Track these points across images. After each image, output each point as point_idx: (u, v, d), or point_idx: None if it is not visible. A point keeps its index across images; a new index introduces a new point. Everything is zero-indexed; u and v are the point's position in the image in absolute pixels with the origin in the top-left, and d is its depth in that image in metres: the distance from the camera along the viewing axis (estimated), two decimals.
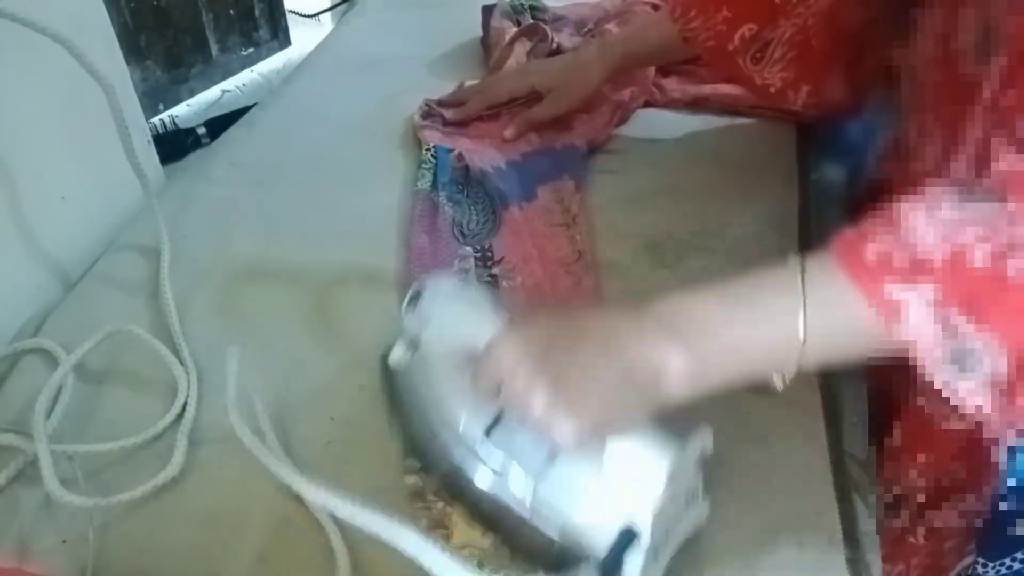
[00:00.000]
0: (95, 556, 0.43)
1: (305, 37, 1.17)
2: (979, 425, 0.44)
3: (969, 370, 0.34)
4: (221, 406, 0.49)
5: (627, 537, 0.38)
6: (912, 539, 0.60)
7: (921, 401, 0.53)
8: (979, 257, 0.32)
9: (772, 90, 0.70)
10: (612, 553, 0.38)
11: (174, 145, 0.87)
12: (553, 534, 0.41)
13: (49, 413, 0.50)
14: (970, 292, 0.33)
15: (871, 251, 0.34)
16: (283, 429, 0.51)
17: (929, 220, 0.34)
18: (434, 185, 0.71)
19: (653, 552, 0.39)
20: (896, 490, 0.57)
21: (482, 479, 0.43)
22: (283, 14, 1.14)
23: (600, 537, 0.38)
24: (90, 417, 0.52)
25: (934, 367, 0.34)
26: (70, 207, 0.65)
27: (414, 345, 0.47)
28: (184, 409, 0.52)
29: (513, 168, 0.73)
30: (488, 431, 0.43)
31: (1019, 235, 0.32)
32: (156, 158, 0.75)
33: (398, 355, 0.47)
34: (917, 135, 0.49)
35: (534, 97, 0.79)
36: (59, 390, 0.51)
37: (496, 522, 0.43)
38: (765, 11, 0.68)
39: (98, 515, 0.45)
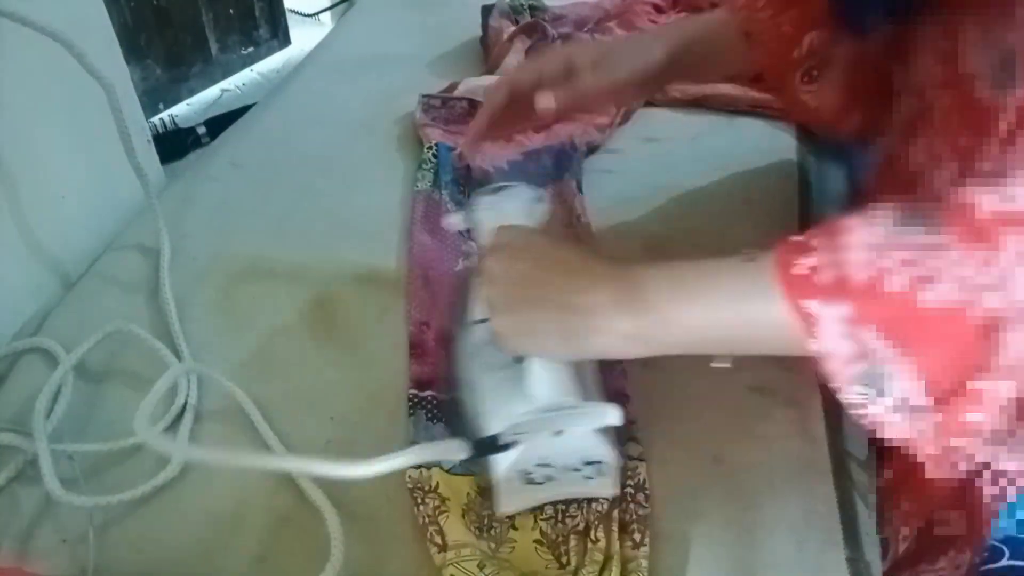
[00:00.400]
0: (95, 556, 0.43)
1: (305, 36, 1.17)
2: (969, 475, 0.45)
3: (880, 392, 0.35)
4: (222, 407, 0.49)
5: (490, 440, 0.42)
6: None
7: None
8: (898, 282, 0.33)
9: (824, 115, 0.61)
10: (478, 446, 0.43)
11: (174, 144, 0.87)
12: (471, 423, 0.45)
13: (49, 412, 0.50)
14: (888, 316, 0.34)
15: (802, 263, 0.36)
16: (283, 428, 0.51)
17: (864, 239, 0.35)
18: (435, 184, 0.71)
19: (520, 475, 0.43)
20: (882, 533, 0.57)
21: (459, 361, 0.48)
22: (283, 13, 1.14)
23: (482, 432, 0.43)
24: (90, 417, 0.52)
25: (843, 385, 0.35)
26: (70, 206, 0.65)
27: (470, 215, 0.54)
28: (184, 408, 0.52)
29: (515, 167, 0.73)
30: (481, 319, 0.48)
31: (940, 267, 0.33)
32: (156, 157, 0.75)
33: (455, 220, 0.57)
34: (926, 159, 0.48)
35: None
36: (59, 389, 0.51)
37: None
38: (832, 20, 0.58)
39: (98, 515, 0.45)
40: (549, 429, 0.42)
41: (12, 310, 0.59)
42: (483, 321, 0.47)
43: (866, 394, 0.35)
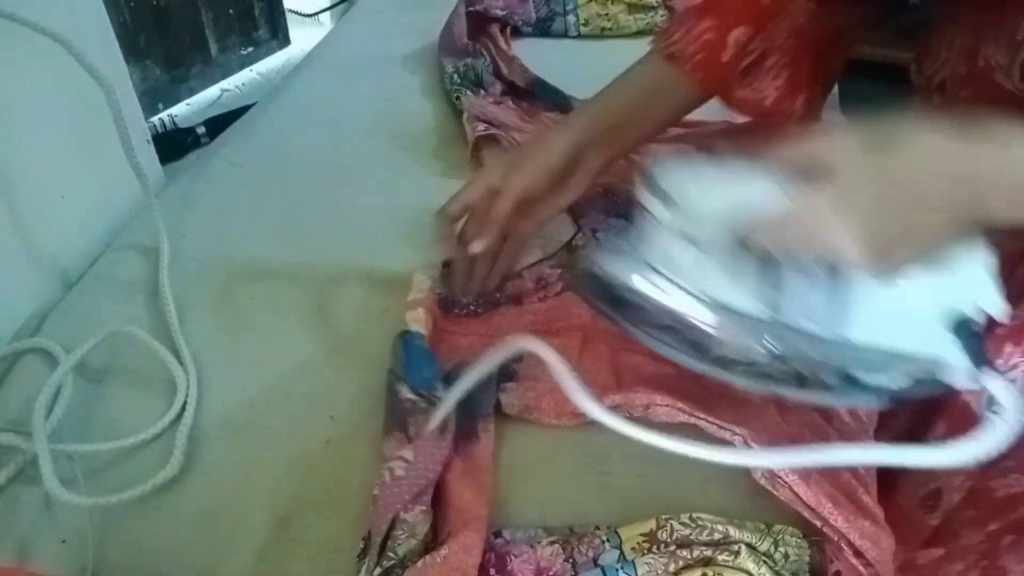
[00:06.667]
0: (95, 556, 0.43)
1: (304, 36, 1.17)
2: None
3: None
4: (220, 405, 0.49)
5: (969, 328, 0.37)
6: (969, 541, 0.58)
7: (967, 397, 0.53)
8: None
9: (767, 103, 0.62)
10: (967, 341, 0.37)
11: (173, 144, 0.88)
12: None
13: (49, 413, 0.49)
14: None
15: None
16: (283, 428, 0.51)
17: None
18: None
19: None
20: (934, 484, 0.58)
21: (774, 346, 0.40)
22: (282, 13, 1.14)
23: (924, 345, 0.38)
24: (90, 417, 0.52)
25: None
26: (69, 206, 0.65)
27: (670, 200, 0.42)
28: (184, 409, 0.52)
29: None
30: (774, 304, 0.40)
31: None
32: (155, 157, 0.75)
33: (659, 210, 0.42)
34: None
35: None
36: (59, 390, 0.51)
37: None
38: (753, 12, 0.60)
39: (98, 515, 0.45)
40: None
41: (12, 310, 0.59)
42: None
43: None
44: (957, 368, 0.37)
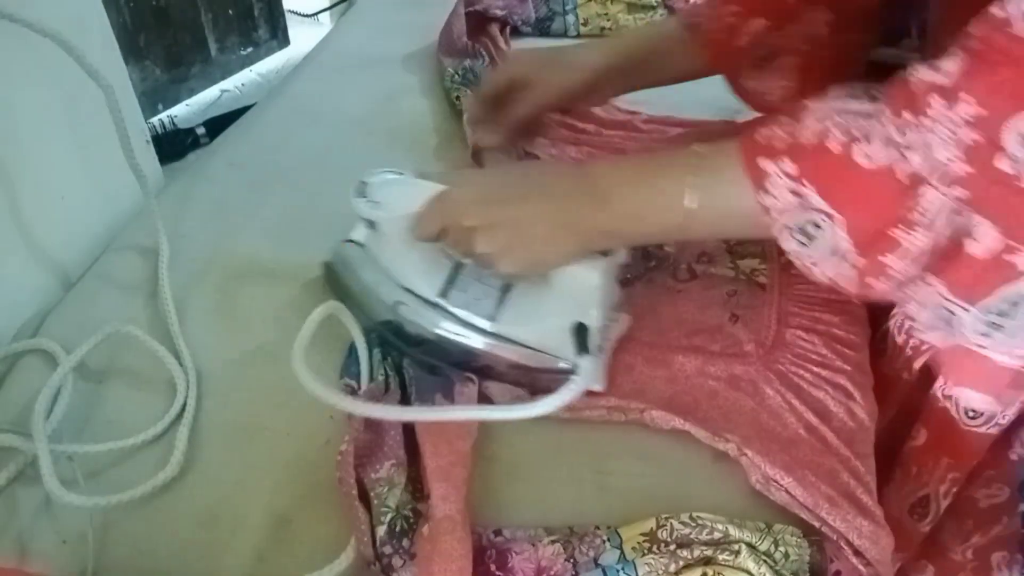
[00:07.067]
0: (95, 556, 0.43)
1: (304, 36, 1.17)
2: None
3: (813, 240, 0.41)
4: (220, 405, 0.49)
5: (583, 329, 0.48)
6: (958, 557, 0.60)
7: (945, 403, 0.55)
8: (836, 142, 0.39)
9: (771, 98, 0.65)
10: (579, 338, 0.48)
11: (173, 145, 0.87)
12: (514, 358, 0.51)
13: (49, 413, 0.50)
14: (826, 171, 0.39)
15: (761, 133, 0.42)
16: (283, 428, 0.51)
17: (817, 110, 0.41)
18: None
19: (597, 348, 0.49)
20: (922, 492, 0.58)
21: (444, 333, 0.52)
22: (282, 13, 1.14)
23: (558, 341, 0.49)
24: (90, 417, 0.52)
25: (782, 235, 0.42)
26: (69, 207, 0.65)
27: (371, 224, 0.54)
28: (183, 409, 0.52)
29: None
30: (443, 292, 0.52)
31: (873, 130, 0.38)
32: (155, 158, 0.75)
33: (360, 234, 0.56)
34: None
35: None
36: (59, 390, 0.51)
37: (467, 365, 0.52)
38: (776, 8, 0.63)
39: (98, 515, 0.45)
40: (610, 298, 0.51)
41: (12, 310, 0.59)
42: (450, 282, 0.52)
43: (803, 241, 0.41)
44: (565, 351, 0.49)
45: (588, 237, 0.47)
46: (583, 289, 0.49)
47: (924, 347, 0.55)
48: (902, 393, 0.58)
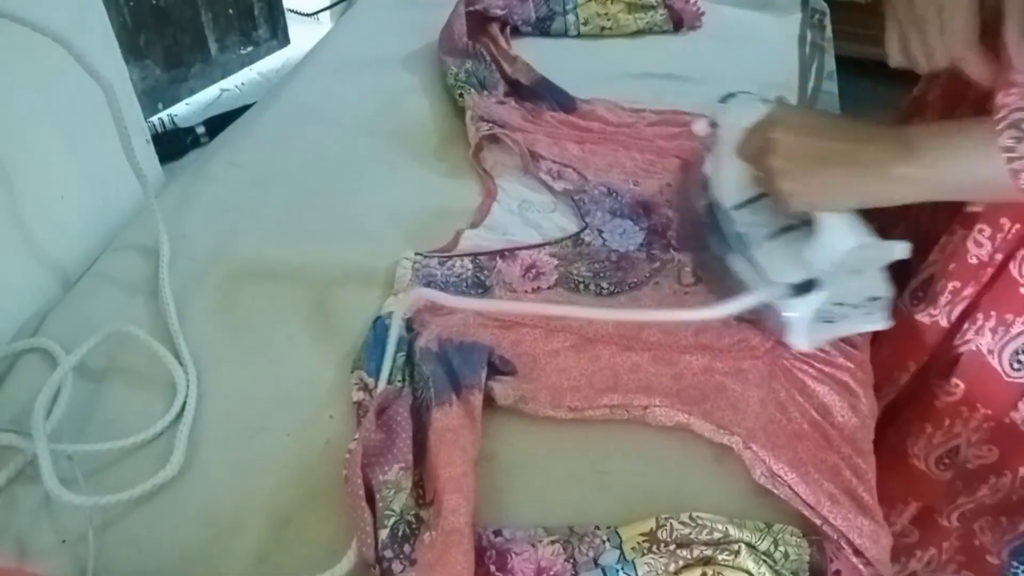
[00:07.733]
0: (95, 556, 0.43)
1: (304, 36, 1.17)
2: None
3: None
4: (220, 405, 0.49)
5: (807, 285, 0.50)
6: (944, 522, 0.62)
7: (988, 358, 0.56)
8: None
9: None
10: (795, 290, 0.50)
11: (173, 144, 0.87)
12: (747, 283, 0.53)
13: (48, 413, 0.50)
14: None
15: None
16: (283, 428, 0.51)
17: None
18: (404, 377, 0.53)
19: (826, 312, 0.51)
20: (952, 443, 0.60)
21: (718, 242, 0.56)
22: (282, 13, 1.14)
23: (783, 292, 0.51)
24: (89, 417, 0.52)
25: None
26: (69, 206, 0.65)
27: (715, 124, 0.59)
28: (183, 408, 0.52)
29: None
30: (739, 205, 0.55)
31: None
32: (155, 157, 0.75)
33: (701, 127, 0.60)
34: None
35: None
36: (58, 390, 0.51)
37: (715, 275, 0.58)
38: None
39: (97, 514, 0.45)
40: (853, 269, 0.50)
41: (12, 310, 0.59)
42: (750, 201, 0.55)
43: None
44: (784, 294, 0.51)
45: (882, 183, 0.47)
46: (832, 246, 0.49)
47: (965, 292, 0.56)
48: (935, 341, 0.59)
